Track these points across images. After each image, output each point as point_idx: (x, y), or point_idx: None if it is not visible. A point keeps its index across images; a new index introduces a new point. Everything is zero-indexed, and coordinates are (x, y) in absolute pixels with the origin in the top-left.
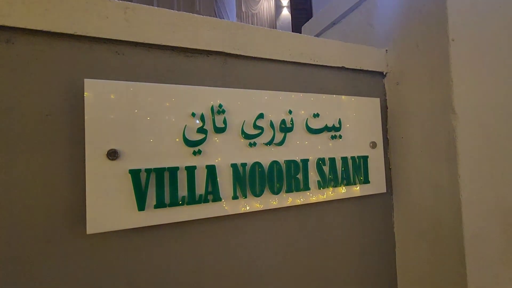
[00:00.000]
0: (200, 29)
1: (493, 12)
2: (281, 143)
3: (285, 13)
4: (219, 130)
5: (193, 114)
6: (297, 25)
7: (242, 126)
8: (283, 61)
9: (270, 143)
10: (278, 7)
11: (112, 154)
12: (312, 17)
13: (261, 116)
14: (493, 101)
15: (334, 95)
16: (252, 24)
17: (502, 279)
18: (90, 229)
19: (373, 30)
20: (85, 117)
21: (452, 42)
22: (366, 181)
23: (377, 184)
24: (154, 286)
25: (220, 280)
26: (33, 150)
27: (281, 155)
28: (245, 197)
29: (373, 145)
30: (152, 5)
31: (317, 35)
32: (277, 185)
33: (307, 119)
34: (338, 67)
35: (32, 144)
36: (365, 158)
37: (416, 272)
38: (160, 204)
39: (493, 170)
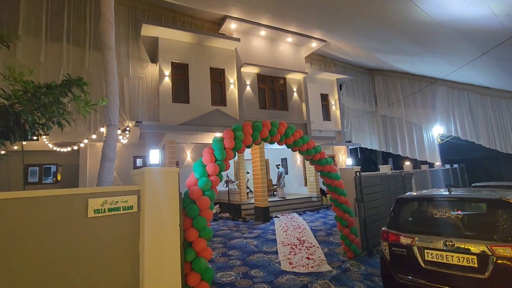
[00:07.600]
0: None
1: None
2: None
3: (167, 80)
4: None
5: None
6: (176, 92)
7: None
8: None
9: None
10: (161, 75)
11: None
12: (188, 84)
13: None
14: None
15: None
16: (137, 86)
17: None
18: None
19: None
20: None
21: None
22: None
23: (137, 211)
24: None
25: None
26: None
27: None
28: None
29: (139, 203)
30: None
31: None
32: None
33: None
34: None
35: None
36: (132, 206)
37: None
38: None
39: (154, 221)
